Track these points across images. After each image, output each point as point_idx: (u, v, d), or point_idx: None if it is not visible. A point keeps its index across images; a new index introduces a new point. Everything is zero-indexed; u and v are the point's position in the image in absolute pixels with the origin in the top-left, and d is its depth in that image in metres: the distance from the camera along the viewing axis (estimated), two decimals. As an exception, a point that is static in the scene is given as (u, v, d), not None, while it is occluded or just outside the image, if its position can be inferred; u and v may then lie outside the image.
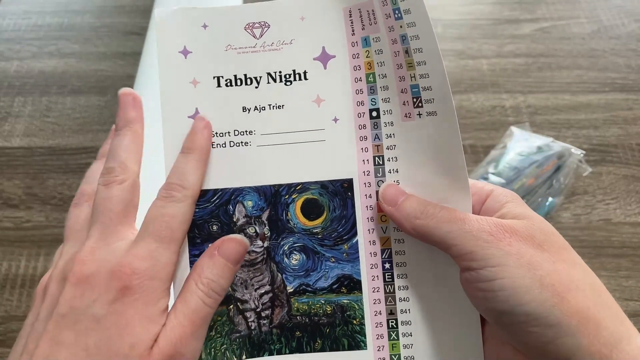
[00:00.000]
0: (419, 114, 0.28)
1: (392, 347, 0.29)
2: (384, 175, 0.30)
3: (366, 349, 0.29)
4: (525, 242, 0.25)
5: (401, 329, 0.30)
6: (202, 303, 0.26)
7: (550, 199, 0.53)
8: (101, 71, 0.67)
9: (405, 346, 0.29)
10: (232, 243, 0.27)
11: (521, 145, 0.56)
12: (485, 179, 0.54)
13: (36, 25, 0.73)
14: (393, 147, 0.30)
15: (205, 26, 0.30)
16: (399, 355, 0.29)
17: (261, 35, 0.30)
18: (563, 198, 0.55)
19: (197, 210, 0.29)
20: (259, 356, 0.29)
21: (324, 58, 0.30)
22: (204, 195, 0.29)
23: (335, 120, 0.30)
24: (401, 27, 0.28)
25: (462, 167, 0.27)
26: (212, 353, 0.29)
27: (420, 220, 0.27)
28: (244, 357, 0.29)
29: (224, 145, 0.30)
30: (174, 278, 0.27)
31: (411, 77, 0.28)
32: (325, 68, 0.30)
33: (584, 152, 0.56)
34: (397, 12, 0.28)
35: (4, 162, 0.59)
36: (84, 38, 0.71)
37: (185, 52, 0.30)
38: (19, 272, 0.52)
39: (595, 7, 0.74)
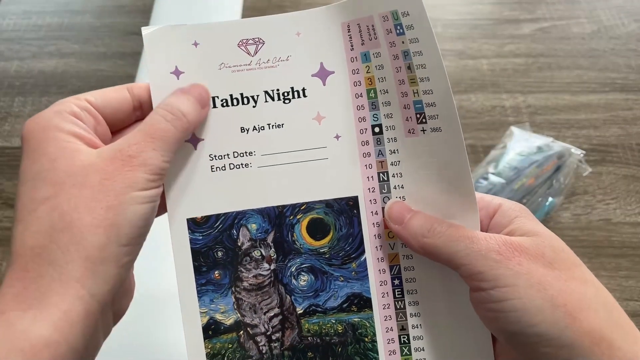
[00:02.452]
0: (423, 130, 0.28)
1: None
2: (389, 191, 0.29)
3: None
4: (535, 261, 0.24)
5: (413, 344, 0.29)
6: (162, 118, 0.26)
7: (550, 199, 0.53)
8: (101, 71, 0.67)
9: None
10: (195, 86, 0.28)
11: (521, 145, 0.56)
12: (485, 179, 0.54)
13: (36, 25, 0.73)
14: (397, 162, 0.29)
15: (196, 44, 0.29)
16: None
17: (256, 52, 0.29)
18: (563, 198, 0.55)
19: (200, 237, 0.28)
20: None
21: (323, 74, 0.29)
22: (207, 222, 0.29)
23: (337, 137, 0.29)
24: (403, 42, 0.28)
25: (469, 183, 0.27)
26: None
27: (427, 239, 0.26)
28: None
29: (223, 168, 0.29)
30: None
31: (414, 93, 0.28)
32: (324, 84, 0.29)
33: (584, 152, 0.56)
34: (399, 27, 0.28)
35: (4, 162, 0.59)
36: (84, 38, 0.71)
37: (177, 73, 0.29)
38: (19, 272, 0.52)
39: (595, 7, 0.74)
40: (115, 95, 0.27)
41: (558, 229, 0.53)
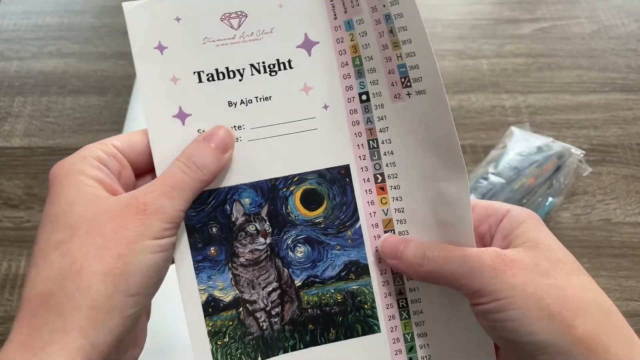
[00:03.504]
0: (408, 94, 0.28)
1: (405, 326, 0.29)
2: (379, 158, 0.30)
3: (380, 331, 0.29)
4: (530, 271, 0.24)
5: (412, 307, 0.30)
6: (179, 170, 0.26)
7: (550, 199, 0.53)
8: (101, 71, 0.67)
9: (417, 324, 0.29)
10: (218, 129, 0.28)
11: (521, 145, 0.56)
12: (485, 179, 0.54)
13: (36, 25, 0.73)
14: (386, 129, 0.29)
15: (178, 19, 0.28)
16: (412, 333, 0.29)
17: (239, 26, 0.29)
18: (563, 198, 0.55)
19: (193, 214, 0.28)
20: (273, 355, 0.29)
21: (308, 45, 0.29)
22: (199, 198, 0.28)
23: (326, 107, 0.29)
24: (384, 6, 0.28)
25: (456, 145, 0.27)
26: (228, 359, 0.28)
27: (424, 268, 0.27)
28: (259, 358, 0.29)
29: None
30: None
31: (397, 57, 0.28)
32: (309, 55, 0.29)
33: (584, 152, 0.56)
34: None
35: (4, 162, 0.59)
36: (84, 38, 0.71)
37: (160, 48, 0.28)
38: (19, 272, 0.52)
39: (595, 7, 0.74)
40: (141, 139, 0.28)
41: (558, 229, 0.53)
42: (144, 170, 0.28)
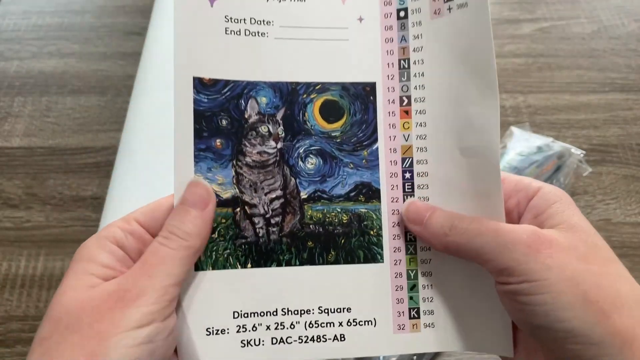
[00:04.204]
0: (449, 9, 0.27)
1: (410, 261, 0.28)
2: (408, 79, 0.28)
3: (382, 262, 0.28)
4: (568, 254, 0.23)
5: (419, 242, 0.28)
6: (158, 244, 0.24)
7: (550, 199, 0.53)
8: (101, 71, 0.67)
9: (423, 261, 0.28)
10: (192, 187, 0.26)
11: (521, 145, 0.56)
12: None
13: (36, 25, 0.73)
14: (420, 49, 0.28)
15: None
16: (416, 271, 0.28)
17: None
18: (563, 198, 0.54)
19: (205, 100, 0.27)
20: (266, 266, 0.27)
21: None
22: (214, 85, 0.27)
23: (360, 19, 0.28)
24: None
25: (492, 64, 0.25)
26: (213, 257, 0.27)
27: (450, 238, 0.25)
28: (249, 265, 0.27)
29: (238, 33, 0.27)
30: None
31: None
32: None
33: (584, 152, 0.56)
34: None
35: (3, 162, 0.59)
36: (84, 38, 0.71)
37: None
38: (18, 272, 0.52)
39: (595, 7, 0.74)
40: (166, 208, 0.26)
41: (558, 229, 0.53)
42: None
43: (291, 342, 0.27)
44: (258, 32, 0.27)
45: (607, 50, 0.69)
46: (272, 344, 0.27)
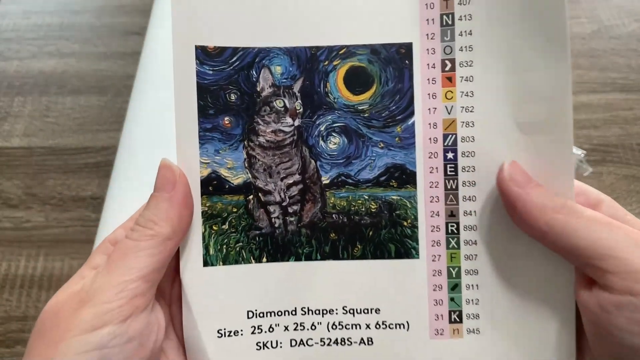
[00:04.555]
0: None
1: (451, 257, 0.24)
2: (452, 39, 0.23)
3: (418, 257, 0.24)
4: None
5: (463, 235, 0.24)
6: (121, 237, 0.22)
7: (550, 199, 0.53)
8: (101, 71, 0.67)
9: (467, 257, 0.24)
10: (159, 170, 0.23)
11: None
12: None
13: (36, 25, 0.72)
14: (467, 1, 0.23)
15: None
16: (459, 268, 0.24)
17: None
18: (564, 198, 0.54)
19: (210, 72, 0.23)
20: (283, 260, 0.24)
21: None
22: (220, 54, 0.23)
23: None
24: None
25: (563, 18, 0.21)
26: (224, 250, 0.24)
27: (561, 215, 0.21)
28: (264, 259, 0.24)
29: None
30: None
31: None
32: None
33: (584, 152, 0.56)
34: None
35: (3, 162, 0.59)
36: (83, 38, 0.71)
37: None
38: (18, 272, 0.51)
39: (595, 7, 0.73)
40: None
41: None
42: None
43: (312, 345, 0.24)
44: None
45: (608, 50, 0.68)
46: (291, 346, 0.24)
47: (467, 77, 0.23)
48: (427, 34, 0.23)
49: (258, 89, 0.24)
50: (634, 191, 0.56)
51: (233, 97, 0.24)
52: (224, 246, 0.24)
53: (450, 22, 0.23)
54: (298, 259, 0.24)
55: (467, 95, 0.23)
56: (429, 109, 0.24)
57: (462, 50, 0.23)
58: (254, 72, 0.24)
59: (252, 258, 0.24)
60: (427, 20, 0.23)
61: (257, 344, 0.24)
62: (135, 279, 0.21)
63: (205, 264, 0.24)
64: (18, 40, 0.71)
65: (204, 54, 0.24)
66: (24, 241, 0.53)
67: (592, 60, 0.68)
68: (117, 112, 0.63)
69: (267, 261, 0.24)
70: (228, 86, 0.24)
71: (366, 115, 0.24)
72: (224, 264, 0.24)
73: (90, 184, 0.57)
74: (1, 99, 0.65)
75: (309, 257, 0.24)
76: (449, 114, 0.24)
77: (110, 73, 0.67)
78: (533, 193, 0.21)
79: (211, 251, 0.24)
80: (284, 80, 0.24)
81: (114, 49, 0.70)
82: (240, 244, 0.24)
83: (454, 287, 0.24)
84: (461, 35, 0.23)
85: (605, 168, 0.58)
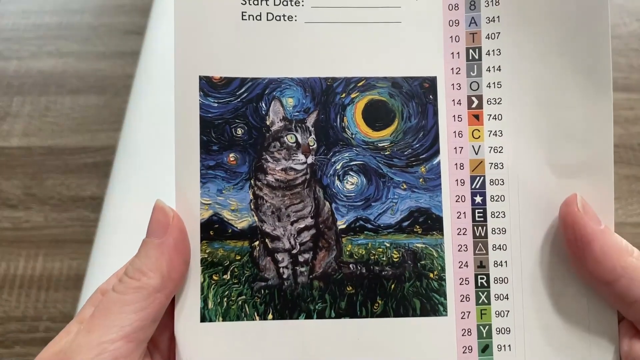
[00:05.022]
0: None
1: (481, 314, 0.21)
2: (480, 74, 0.22)
3: (446, 314, 0.21)
4: None
5: (494, 288, 0.21)
6: (110, 289, 0.20)
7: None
8: (100, 71, 0.67)
9: (498, 314, 0.21)
10: (152, 213, 0.21)
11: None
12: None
13: (35, 24, 0.72)
14: (496, 35, 0.22)
15: None
16: (489, 326, 0.21)
17: None
18: (564, 198, 0.54)
19: (215, 105, 0.22)
20: (291, 318, 0.21)
21: None
22: (227, 86, 0.22)
23: None
24: None
25: (606, 48, 0.19)
26: (225, 304, 0.21)
27: (636, 260, 0.19)
28: (269, 316, 0.21)
29: (259, 18, 0.22)
30: None
31: None
32: None
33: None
34: None
35: (2, 162, 0.59)
36: (82, 37, 0.71)
37: None
38: (17, 272, 0.51)
39: (596, 6, 0.73)
40: None
41: (559, 229, 0.53)
42: None
43: None
44: (284, 16, 0.22)
45: (608, 50, 0.68)
46: None
47: (495, 115, 0.22)
48: (452, 68, 0.22)
49: (267, 123, 0.22)
50: (635, 191, 0.56)
51: (240, 131, 0.22)
52: (225, 299, 0.21)
53: (476, 57, 0.22)
54: (309, 316, 0.21)
55: (496, 135, 0.22)
56: (455, 148, 0.22)
57: (489, 86, 0.22)
58: (263, 105, 0.22)
59: (256, 314, 0.21)
60: (453, 53, 0.22)
61: None
62: (117, 339, 0.19)
63: (203, 319, 0.21)
64: (17, 39, 0.71)
65: (208, 85, 0.22)
66: (23, 241, 0.53)
67: (593, 59, 0.67)
68: (117, 112, 0.63)
69: (273, 318, 0.21)
70: (234, 120, 0.22)
71: (387, 153, 0.22)
72: (223, 320, 0.21)
73: (89, 184, 0.57)
74: (0, 99, 0.65)
75: (321, 315, 0.21)
76: (477, 154, 0.22)
77: (109, 73, 0.67)
78: (609, 232, 0.20)
79: (210, 304, 0.21)
80: (297, 114, 0.22)
81: (113, 49, 0.69)
82: (243, 297, 0.22)
83: (484, 349, 0.21)
84: (489, 70, 0.22)
85: (606, 168, 0.58)
